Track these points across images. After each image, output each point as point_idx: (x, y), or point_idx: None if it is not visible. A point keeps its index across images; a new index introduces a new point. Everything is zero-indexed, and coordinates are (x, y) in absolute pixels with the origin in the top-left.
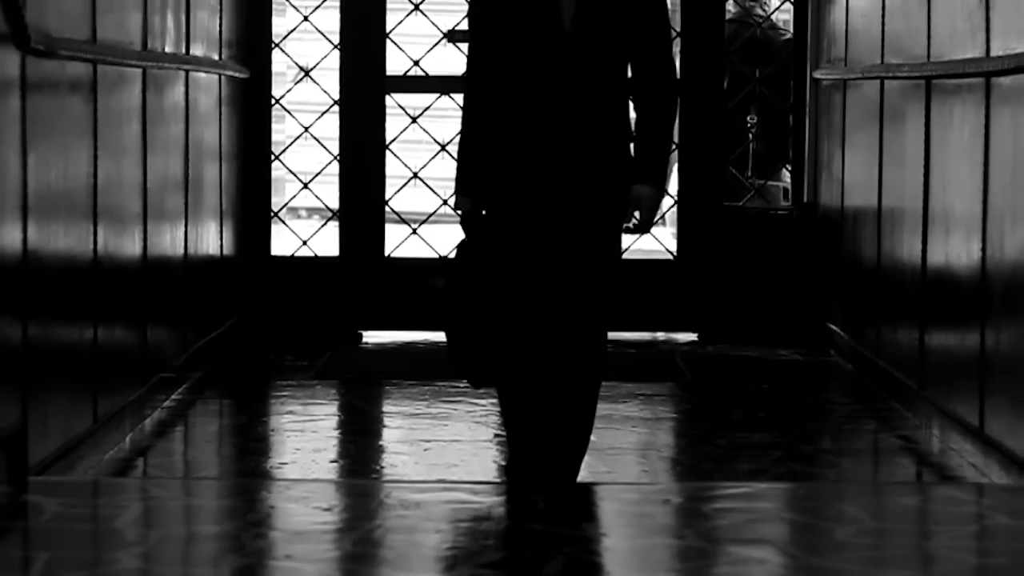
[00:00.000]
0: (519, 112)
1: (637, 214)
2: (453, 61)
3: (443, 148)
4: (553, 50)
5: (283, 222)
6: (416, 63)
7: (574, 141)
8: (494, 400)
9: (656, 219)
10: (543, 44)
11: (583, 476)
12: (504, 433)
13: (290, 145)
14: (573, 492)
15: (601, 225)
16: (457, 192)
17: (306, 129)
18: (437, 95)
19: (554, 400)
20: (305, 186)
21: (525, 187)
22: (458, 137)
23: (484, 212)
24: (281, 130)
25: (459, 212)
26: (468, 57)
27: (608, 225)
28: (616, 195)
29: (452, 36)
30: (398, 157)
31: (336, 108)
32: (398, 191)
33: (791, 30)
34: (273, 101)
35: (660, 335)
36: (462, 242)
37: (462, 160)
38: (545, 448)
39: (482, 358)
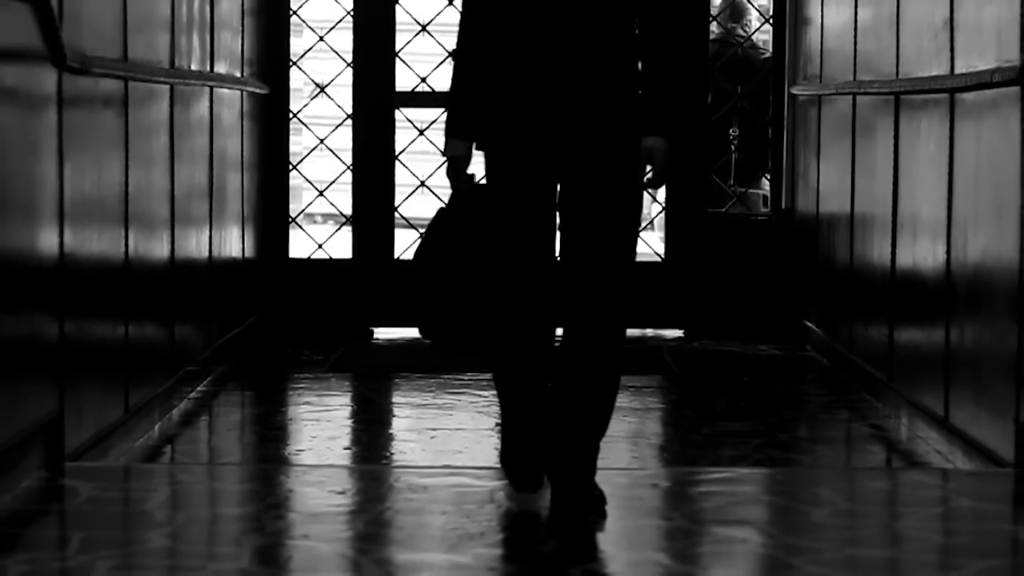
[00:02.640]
0: (524, 55)
1: (649, 169)
2: None
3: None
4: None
5: (300, 227)
6: (423, 80)
7: (582, 82)
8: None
9: (665, 174)
10: None
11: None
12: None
13: (306, 156)
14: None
15: (616, 168)
16: (448, 135)
17: (321, 141)
18: (443, 109)
19: (567, 370)
20: (320, 194)
21: (533, 130)
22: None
23: (485, 156)
24: (298, 142)
25: (448, 156)
26: (466, 3)
27: (624, 167)
28: (629, 140)
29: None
30: (406, 167)
31: (349, 121)
32: (406, 198)
33: (770, 49)
34: (291, 115)
35: (649, 331)
36: (441, 211)
37: (456, 102)
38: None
39: (459, 327)
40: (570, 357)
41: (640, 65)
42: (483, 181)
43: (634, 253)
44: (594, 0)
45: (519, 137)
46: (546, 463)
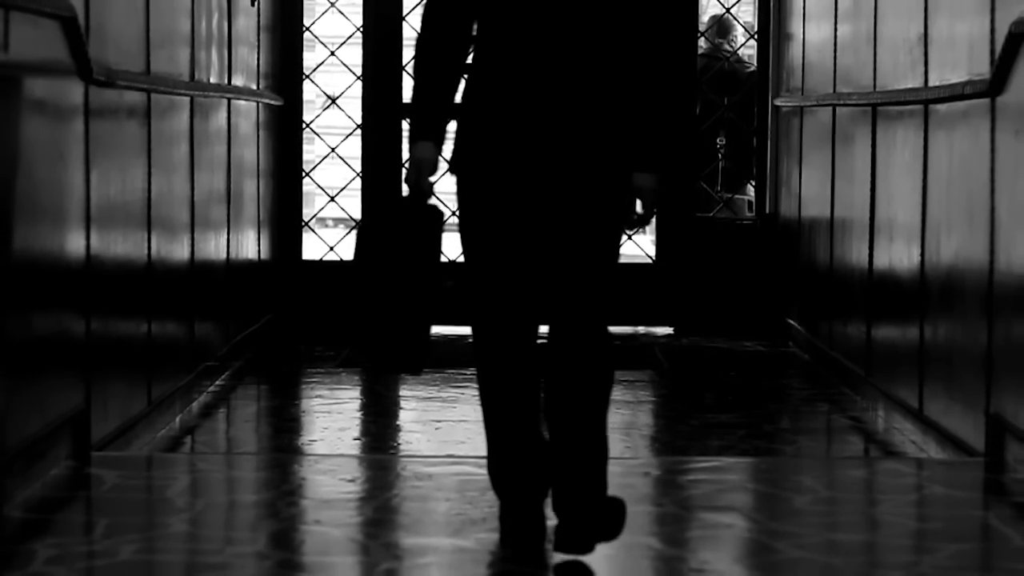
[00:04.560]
0: (505, 70)
1: (639, 205)
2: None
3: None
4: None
5: (312, 231)
6: None
7: (566, 99)
8: None
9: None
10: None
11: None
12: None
13: (319, 163)
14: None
15: (601, 190)
16: (415, 138)
17: (333, 150)
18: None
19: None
20: (332, 199)
21: (513, 150)
22: (412, 87)
23: (459, 177)
24: (311, 150)
25: (416, 157)
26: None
27: (608, 190)
28: (616, 160)
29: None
30: None
31: (359, 131)
32: None
33: (755, 63)
34: (304, 125)
35: (641, 329)
36: (361, 223)
37: (421, 106)
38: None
39: (403, 339)
40: (558, 368)
41: (629, 87)
42: (440, 207)
43: (617, 254)
44: (578, 20)
45: (499, 153)
46: (547, 477)
